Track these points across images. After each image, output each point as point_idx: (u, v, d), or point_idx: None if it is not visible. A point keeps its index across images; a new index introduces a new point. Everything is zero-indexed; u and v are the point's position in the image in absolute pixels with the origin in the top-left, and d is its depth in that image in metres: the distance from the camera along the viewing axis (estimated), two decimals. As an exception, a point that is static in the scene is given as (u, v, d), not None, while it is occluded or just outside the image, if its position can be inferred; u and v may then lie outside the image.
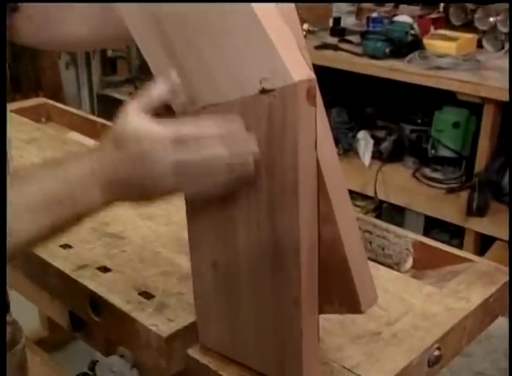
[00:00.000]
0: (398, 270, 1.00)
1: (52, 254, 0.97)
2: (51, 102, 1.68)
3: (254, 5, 0.58)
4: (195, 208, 0.72)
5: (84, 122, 1.57)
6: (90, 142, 1.44)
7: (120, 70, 3.49)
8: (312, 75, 0.59)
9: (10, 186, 0.58)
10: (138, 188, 0.61)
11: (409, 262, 1.02)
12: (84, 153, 0.62)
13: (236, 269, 0.71)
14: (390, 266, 1.00)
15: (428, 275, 1.01)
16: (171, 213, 1.13)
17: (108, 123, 1.50)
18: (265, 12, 0.59)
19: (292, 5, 0.65)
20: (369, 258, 0.98)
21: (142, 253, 1.00)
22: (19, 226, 0.58)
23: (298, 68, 0.58)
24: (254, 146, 0.61)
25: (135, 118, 0.60)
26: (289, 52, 0.59)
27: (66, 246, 1.00)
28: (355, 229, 0.69)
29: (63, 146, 1.38)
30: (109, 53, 3.40)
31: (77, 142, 1.42)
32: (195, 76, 0.64)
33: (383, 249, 1.00)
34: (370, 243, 1.02)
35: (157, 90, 0.62)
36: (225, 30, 0.60)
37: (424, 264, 1.02)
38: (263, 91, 0.59)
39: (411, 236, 1.04)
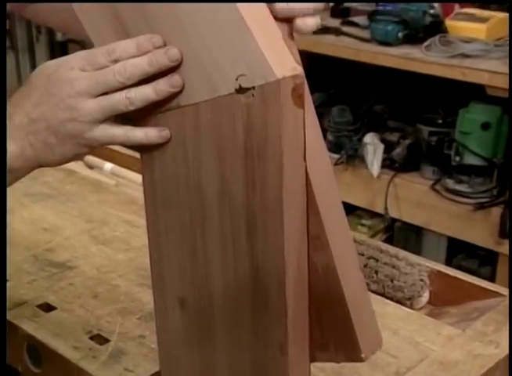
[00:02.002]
0: (411, 307, 1.01)
1: (-20, 288, 0.97)
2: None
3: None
4: (158, 232, 0.73)
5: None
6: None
7: (71, 57, 3.49)
8: (299, 70, 0.61)
9: None
10: (55, 136, 0.65)
11: (425, 297, 1.03)
12: None
13: (208, 308, 0.71)
14: (400, 302, 1.01)
15: (449, 313, 1.02)
16: (132, 236, 1.14)
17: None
18: None
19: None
20: (375, 292, 1.00)
21: (96, 287, 1.00)
22: None
23: (282, 62, 0.60)
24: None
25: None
26: (271, 43, 0.60)
27: (-1, 278, 1.00)
28: (353, 255, 0.71)
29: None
30: (59, 36, 3.40)
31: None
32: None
33: (392, 280, 1.02)
34: (376, 272, 1.03)
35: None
36: (192, 15, 0.61)
37: (444, 299, 1.03)
38: (240, 89, 0.61)
39: (427, 264, 1.05)
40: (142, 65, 0.62)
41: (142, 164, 0.72)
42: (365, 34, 2.27)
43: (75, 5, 0.71)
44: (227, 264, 0.68)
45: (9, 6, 0.85)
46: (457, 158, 2.13)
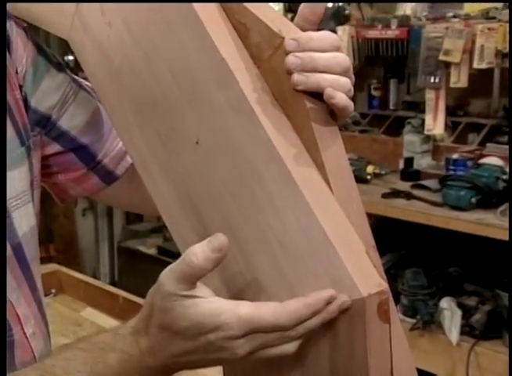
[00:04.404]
0: None
1: None
2: (63, 269, 1.75)
3: (308, 198, 0.61)
4: None
5: (102, 295, 1.61)
6: (109, 322, 1.47)
7: (146, 216, 3.63)
8: (384, 285, 0.60)
9: None
10: (198, 366, 0.64)
11: None
12: (124, 341, 0.63)
13: None
14: None
15: None
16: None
17: (132, 298, 1.54)
18: (321, 204, 0.62)
19: (351, 182, 0.67)
20: None
21: None
22: None
23: (366, 278, 0.60)
24: None
25: (186, 300, 0.60)
26: (355, 258, 0.60)
27: None
28: None
29: (77, 330, 1.41)
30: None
31: (93, 324, 1.45)
32: (241, 280, 0.66)
33: None
34: None
35: (203, 258, 0.59)
36: (275, 229, 0.63)
37: None
38: (324, 304, 0.61)
39: None
40: (315, 325, 0.60)
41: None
42: (437, 197, 2.29)
43: (160, 208, 0.75)
44: None
45: (83, 192, 0.88)
46: (542, 326, 2.04)
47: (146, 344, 0.62)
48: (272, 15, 0.65)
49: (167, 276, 0.60)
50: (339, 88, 0.61)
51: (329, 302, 0.59)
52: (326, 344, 0.62)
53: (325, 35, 0.62)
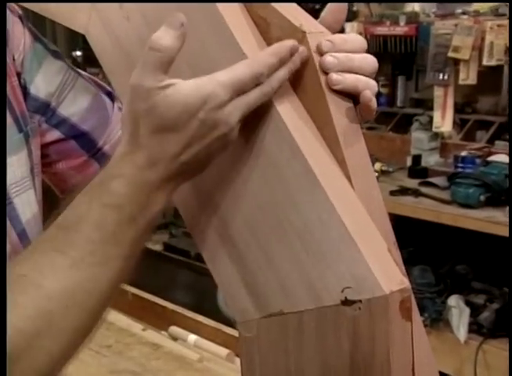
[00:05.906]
0: None
1: None
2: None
3: (330, 195, 0.61)
4: None
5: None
6: (119, 318, 1.46)
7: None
8: (406, 282, 0.60)
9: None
10: (201, 162, 0.63)
11: None
12: (118, 166, 0.61)
13: None
14: None
15: None
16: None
17: (142, 294, 1.54)
18: (342, 201, 0.61)
19: (372, 180, 0.68)
20: None
21: None
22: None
23: (389, 275, 0.59)
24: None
25: (166, 90, 0.59)
26: (377, 255, 0.60)
27: None
28: None
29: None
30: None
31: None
32: (261, 277, 0.66)
33: None
34: None
35: (171, 38, 0.58)
36: (295, 225, 0.63)
37: None
38: (345, 302, 0.60)
39: None
40: (285, 76, 0.61)
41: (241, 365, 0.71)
42: (445, 195, 2.28)
43: (176, 202, 0.74)
44: None
45: (84, 180, 0.86)
46: (550, 324, 2.04)
47: (141, 157, 0.60)
48: (293, 9, 0.64)
49: (141, 74, 0.59)
50: (370, 89, 0.62)
51: (292, 53, 0.61)
52: (348, 340, 0.61)
53: (356, 37, 0.64)
